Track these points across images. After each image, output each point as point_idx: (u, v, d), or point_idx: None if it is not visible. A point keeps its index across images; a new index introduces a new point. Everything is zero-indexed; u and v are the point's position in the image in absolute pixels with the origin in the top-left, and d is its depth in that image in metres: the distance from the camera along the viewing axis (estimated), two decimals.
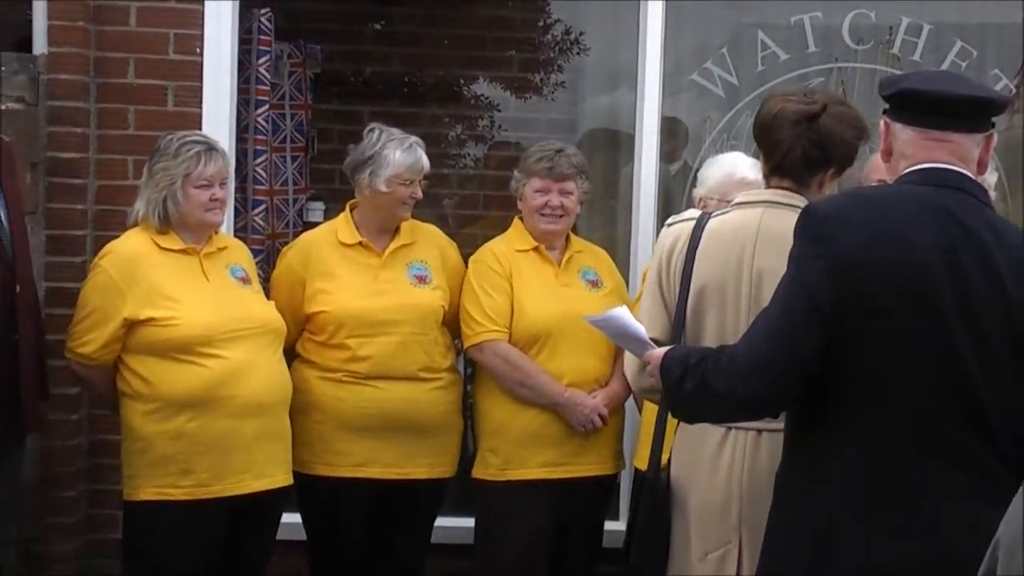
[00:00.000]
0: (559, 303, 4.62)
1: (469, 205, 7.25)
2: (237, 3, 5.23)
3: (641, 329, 3.30)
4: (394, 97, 7.27)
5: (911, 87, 2.96)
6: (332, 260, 4.61)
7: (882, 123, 3.03)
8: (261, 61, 5.75)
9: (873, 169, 4.38)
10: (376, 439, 4.53)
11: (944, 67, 5.81)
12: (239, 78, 5.40)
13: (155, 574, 4.24)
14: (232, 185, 4.73)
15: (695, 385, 2.98)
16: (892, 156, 3.01)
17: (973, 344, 2.80)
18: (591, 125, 6.86)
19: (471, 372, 4.93)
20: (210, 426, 4.17)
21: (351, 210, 4.70)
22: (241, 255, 4.55)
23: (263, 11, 5.71)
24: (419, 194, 4.64)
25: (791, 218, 3.14)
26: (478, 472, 4.68)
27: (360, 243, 4.63)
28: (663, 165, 5.65)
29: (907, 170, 2.95)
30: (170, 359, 4.18)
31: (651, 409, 3.99)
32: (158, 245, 4.27)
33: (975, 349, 2.80)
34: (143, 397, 4.21)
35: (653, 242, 4.84)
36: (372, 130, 4.65)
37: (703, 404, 3.03)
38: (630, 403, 4.76)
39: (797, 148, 3.41)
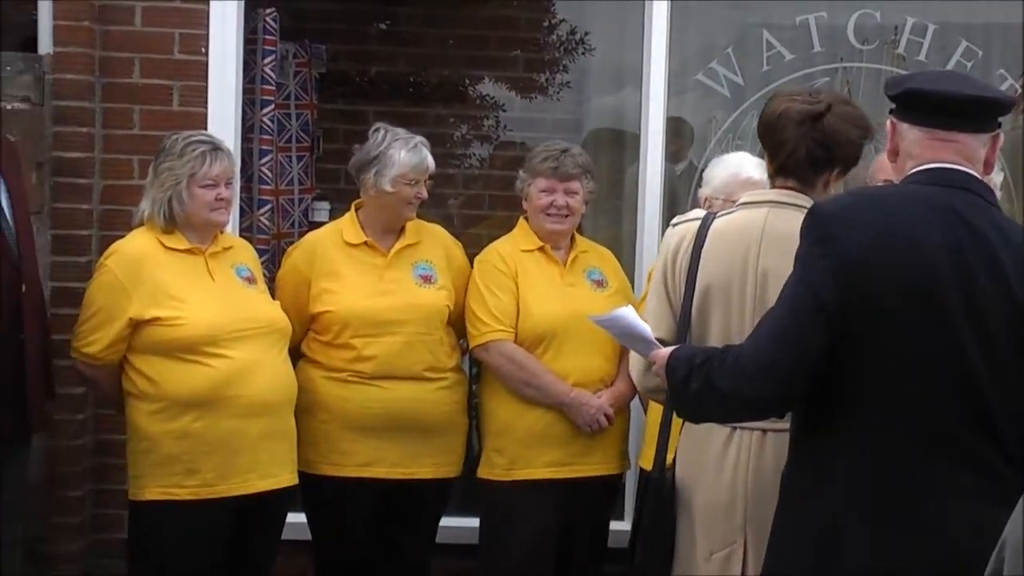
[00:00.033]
0: (564, 303, 4.62)
1: (474, 205, 7.25)
2: (242, 3, 5.23)
3: (647, 329, 3.30)
4: (399, 97, 7.27)
5: (917, 87, 2.96)
6: (337, 260, 4.61)
7: (888, 123, 3.03)
8: (266, 61, 5.75)
9: (879, 169, 4.37)
10: (381, 439, 4.53)
11: (949, 67, 5.81)
12: (244, 78, 5.39)
13: (160, 574, 4.24)
14: (237, 185, 4.73)
15: (700, 385, 2.98)
16: (898, 156, 3.01)
17: (979, 344, 2.80)
18: (596, 125, 6.86)
19: (476, 372, 4.93)
20: (215, 426, 4.17)
21: (356, 210, 4.70)
22: (246, 255, 4.55)
23: (268, 11, 5.71)
24: (424, 194, 4.64)
25: (796, 218, 3.14)
26: (483, 472, 4.68)
27: (365, 243, 4.63)
28: (668, 165, 5.65)
29: (913, 170, 2.95)
30: (175, 359, 4.18)
31: (656, 409, 3.99)
32: (163, 245, 4.27)
33: (981, 349, 2.80)
34: (148, 397, 4.21)
35: (658, 242, 4.83)
36: (377, 130, 4.65)
37: (708, 404, 3.03)
38: (635, 403, 4.77)
39: (802, 148, 3.41)
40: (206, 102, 5.11)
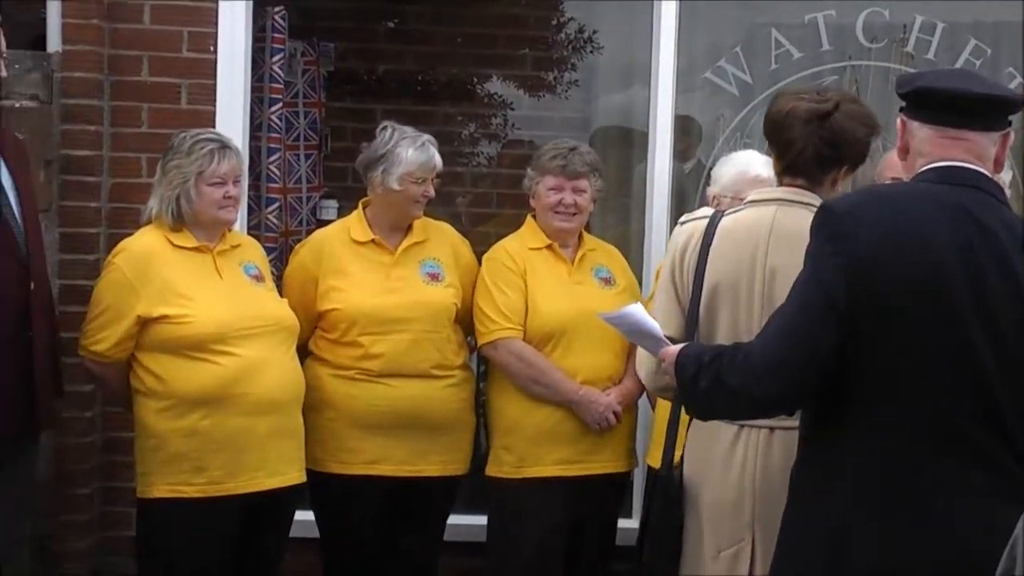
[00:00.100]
0: (573, 301, 4.62)
1: (482, 203, 7.25)
2: (251, 1, 5.23)
3: (656, 326, 3.29)
4: (407, 95, 7.28)
5: (927, 85, 2.95)
6: (344, 258, 4.61)
7: (899, 121, 3.03)
8: (275, 59, 5.75)
9: (887, 167, 4.37)
10: (388, 436, 4.54)
11: (958, 65, 5.79)
12: (253, 76, 5.40)
13: (168, 571, 4.25)
14: (245, 183, 4.73)
15: (710, 382, 2.98)
16: (908, 154, 3.01)
17: (989, 343, 2.79)
18: (604, 123, 6.85)
19: (484, 370, 4.93)
20: (223, 424, 4.18)
21: (364, 208, 4.70)
22: (254, 253, 4.56)
23: (277, 9, 5.71)
24: (431, 192, 4.64)
25: (804, 216, 3.15)
26: (492, 470, 4.68)
27: (373, 241, 4.63)
28: (676, 163, 5.64)
29: (923, 168, 2.95)
30: (183, 357, 4.18)
31: (664, 407, 3.99)
32: (171, 243, 4.27)
33: (991, 348, 2.79)
34: (156, 394, 4.21)
35: (666, 240, 4.83)
36: (384, 128, 4.66)
37: (718, 401, 3.02)
38: (643, 401, 4.77)
39: (810, 147, 3.41)
40: (214, 100, 5.11)
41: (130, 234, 4.42)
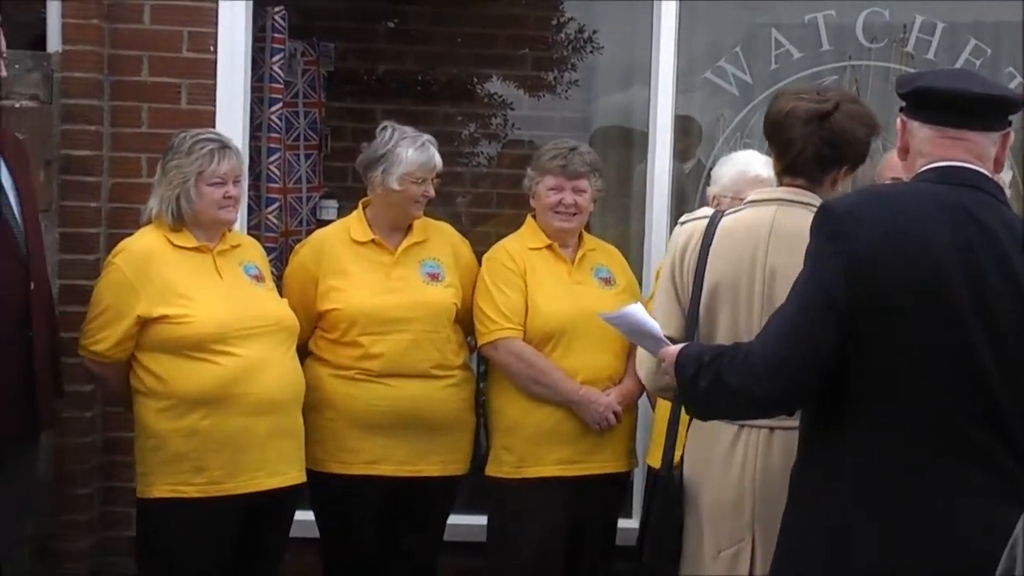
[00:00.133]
0: (573, 301, 4.62)
1: (482, 203, 7.25)
2: (251, 1, 5.23)
3: (656, 326, 3.29)
4: (407, 95, 7.28)
5: (928, 85, 2.95)
6: (344, 258, 4.61)
7: (899, 121, 3.03)
8: (275, 59, 5.75)
9: (887, 167, 4.37)
10: (388, 437, 4.54)
11: (958, 65, 5.79)
12: (253, 76, 5.40)
13: (169, 571, 4.25)
14: (245, 183, 4.73)
15: (710, 383, 2.98)
16: (909, 154, 3.01)
17: (990, 343, 2.79)
18: (604, 123, 6.85)
19: (484, 370, 4.93)
20: (223, 424, 4.18)
21: (364, 208, 4.70)
22: (254, 253, 4.56)
23: (277, 9, 5.71)
24: (431, 192, 4.64)
25: (804, 216, 3.15)
26: (492, 470, 4.68)
27: (372, 241, 4.63)
28: (676, 163, 5.64)
29: (923, 168, 2.95)
30: (183, 356, 4.18)
31: (664, 407, 3.99)
32: (171, 243, 4.28)
33: (991, 348, 2.79)
34: (157, 394, 4.21)
35: (666, 240, 4.82)
36: (384, 128, 4.66)
37: (718, 401, 3.02)
38: (643, 401, 4.77)
39: (810, 147, 3.41)
40: (214, 100, 5.11)
41: (130, 234, 4.43)
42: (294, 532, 4.54)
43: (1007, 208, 2.97)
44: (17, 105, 4.72)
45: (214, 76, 5.11)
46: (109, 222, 5.04)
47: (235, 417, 4.18)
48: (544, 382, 4.57)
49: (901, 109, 3.02)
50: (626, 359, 4.60)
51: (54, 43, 4.97)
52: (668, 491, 3.56)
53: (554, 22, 7.33)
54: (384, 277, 4.59)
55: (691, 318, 3.49)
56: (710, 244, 3.49)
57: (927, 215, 2.85)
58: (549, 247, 4.71)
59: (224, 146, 4.32)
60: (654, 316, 3.41)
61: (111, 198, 5.06)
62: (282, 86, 5.85)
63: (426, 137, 4.64)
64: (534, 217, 4.78)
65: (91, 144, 5.00)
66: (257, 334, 4.25)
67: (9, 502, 4.11)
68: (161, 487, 4.21)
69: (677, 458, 3.59)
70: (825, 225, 2.89)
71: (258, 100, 5.63)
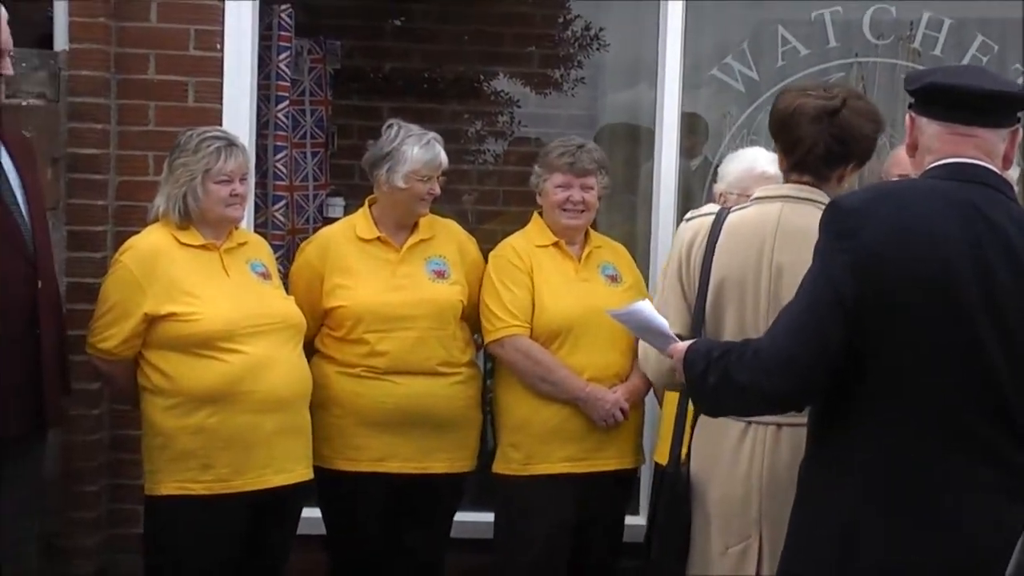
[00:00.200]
0: (579, 298, 4.62)
1: (489, 201, 7.26)
2: None
3: (664, 322, 3.29)
4: (414, 93, 7.28)
5: (937, 82, 2.95)
6: (350, 255, 4.61)
7: (907, 118, 3.03)
8: (281, 57, 5.75)
9: (894, 164, 4.37)
10: (395, 434, 4.54)
11: (964, 62, 5.79)
12: (259, 74, 5.40)
13: (176, 568, 4.25)
14: (252, 181, 4.72)
15: (718, 379, 2.98)
16: (917, 151, 3.01)
17: (999, 339, 2.79)
18: (611, 121, 6.85)
19: (491, 367, 4.93)
20: (230, 421, 4.18)
21: (370, 205, 4.71)
22: (261, 251, 4.56)
23: (283, 7, 5.71)
24: (437, 190, 4.64)
25: (811, 213, 3.15)
26: (499, 467, 4.68)
27: (378, 238, 4.63)
28: (683, 161, 5.63)
29: (932, 165, 2.95)
30: (191, 354, 4.18)
31: (671, 404, 3.98)
32: (178, 241, 4.28)
33: (1001, 344, 2.79)
34: (164, 392, 4.22)
35: (673, 237, 4.83)
36: (390, 126, 4.66)
37: (726, 398, 3.03)
38: (650, 397, 4.77)
39: (820, 144, 3.42)
40: (221, 98, 5.10)
41: (137, 232, 4.43)
42: (301, 529, 4.54)
43: (1016, 204, 2.96)
44: (24, 103, 4.72)
45: (221, 74, 5.10)
46: (116, 220, 5.05)
47: (242, 414, 4.19)
48: (551, 379, 4.57)
49: (910, 106, 3.02)
50: (632, 356, 4.60)
51: (61, 41, 4.98)
52: (675, 488, 3.57)
53: (561, 20, 7.34)
54: (390, 274, 4.60)
55: (697, 315, 3.49)
56: (716, 241, 3.50)
57: (936, 212, 2.84)
58: (556, 244, 4.71)
59: (231, 144, 4.32)
60: (660, 312, 3.41)
61: (118, 196, 5.07)
62: (289, 84, 5.85)
63: (432, 135, 4.64)
64: (540, 214, 4.78)
65: (98, 142, 5.00)
66: (264, 332, 4.26)
67: (16, 499, 4.11)
68: (168, 484, 4.21)
69: (684, 455, 3.59)
70: (834, 222, 2.89)
71: (265, 98, 5.64)
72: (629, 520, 4.86)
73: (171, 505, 4.21)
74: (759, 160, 4.52)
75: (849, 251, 2.83)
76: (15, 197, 4.09)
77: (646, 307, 3.34)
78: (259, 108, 5.44)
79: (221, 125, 4.88)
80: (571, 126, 6.93)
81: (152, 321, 4.20)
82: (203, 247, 4.30)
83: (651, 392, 4.71)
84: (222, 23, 5.10)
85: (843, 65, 5.92)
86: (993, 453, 2.82)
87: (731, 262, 3.46)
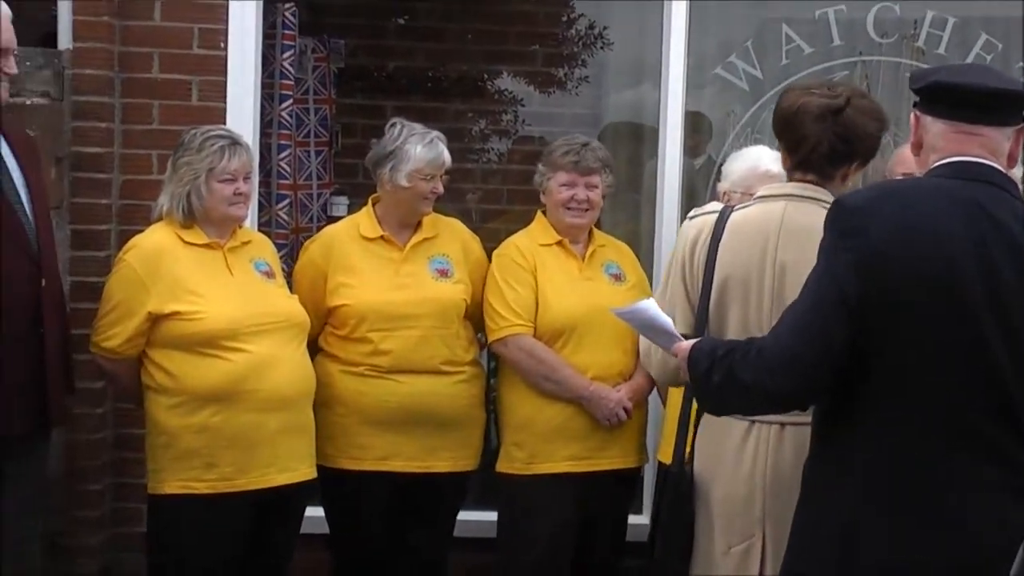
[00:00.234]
0: (583, 297, 4.61)
1: (492, 199, 7.25)
2: None
3: (668, 321, 3.29)
4: (418, 92, 7.28)
5: (942, 80, 2.95)
6: (354, 254, 4.61)
7: (912, 116, 3.02)
8: (285, 56, 5.75)
9: (898, 162, 4.37)
10: (398, 433, 4.54)
11: (969, 60, 5.78)
12: (263, 73, 5.40)
13: (179, 567, 4.25)
14: (256, 180, 4.73)
15: (723, 377, 2.98)
16: (922, 149, 3.01)
17: (1004, 338, 2.79)
18: (615, 120, 6.85)
19: (494, 366, 4.92)
20: (234, 420, 4.18)
21: (373, 204, 4.71)
22: (265, 249, 4.56)
23: (287, 6, 5.71)
24: (440, 189, 4.64)
25: (814, 211, 3.15)
26: (503, 466, 4.68)
27: (382, 237, 4.63)
28: (687, 159, 5.63)
29: (937, 163, 2.95)
30: (194, 353, 4.18)
31: (675, 403, 3.99)
32: (182, 239, 4.28)
33: (1006, 343, 2.79)
34: (167, 391, 4.22)
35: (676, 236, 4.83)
36: (394, 125, 4.66)
37: (731, 396, 3.03)
38: (653, 397, 4.77)
39: (824, 143, 3.41)
40: (225, 97, 5.10)
41: (141, 231, 4.43)
42: (304, 528, 4.54)
43: (1021, 203, 2.96)
44: (28, 102, 4.72)
45: (224, 73, 5.10)
46: (120, 219, 5.04)
47: (246, 413, 4.19)
48: (554, 378, 4.57)
49: (915, 104, 3.01)
50: (636, 355, 4.59)
51: (65, 40, 4.98)
52: (679, 487, 3.56)
53: (564, 18, 7.33)
54: (393, 273, 4.60)
55: (701, 313, 3.49)
56: (720, 239, 3.49)
57: (940, 210, 2.84)
58: (559, 243, 4.71)
59: (234, 142, 4.32)
60: (663, 310, 3.40)
61: (122, 195, 5.07)
62: (292, 83, 5.85)
63: (435, 134, 4.64)
64: (544, 213, 4.77)
65: (102, 141, 5.00)
66: (268, 330, 4.26)
67: (20, 498, 4.10)
68: (172, 483, 4.21)
69: (688, 454, 3.59)
70: (838, 220, 2.89)
71: (268, 97, 5.63)
72: (632, 519, 4.87)
73: (175, 504, 4.21)
74: (763, 159, 4.52)
75: (853, 250, 2.83)
76: (19, 196, 4.09)
77: (651, 306, 3.33)
78: (263, 107, 5.44)
79: (225, 124, 4.88)
80: (575, 125, 6.93)
81: (156, 320, 4.20)
82: (207, 246, 4.31)
83: (655, 391, 4.71)
84: (226, 22, 5.09)
85: (847, 64, 5.91)
86: (997, 452, 2.82)
87: (735, 260, 3.46)
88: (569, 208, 4.66)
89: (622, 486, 4.74)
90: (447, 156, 4.64)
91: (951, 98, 2.93)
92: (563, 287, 4.64)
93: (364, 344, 4.53)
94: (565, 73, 7.31)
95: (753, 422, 3.41)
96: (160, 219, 4.35)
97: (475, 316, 4.72)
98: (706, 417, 3.50)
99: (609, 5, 7.01)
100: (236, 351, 4.18)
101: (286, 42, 5.75)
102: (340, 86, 6.71)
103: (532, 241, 4.73)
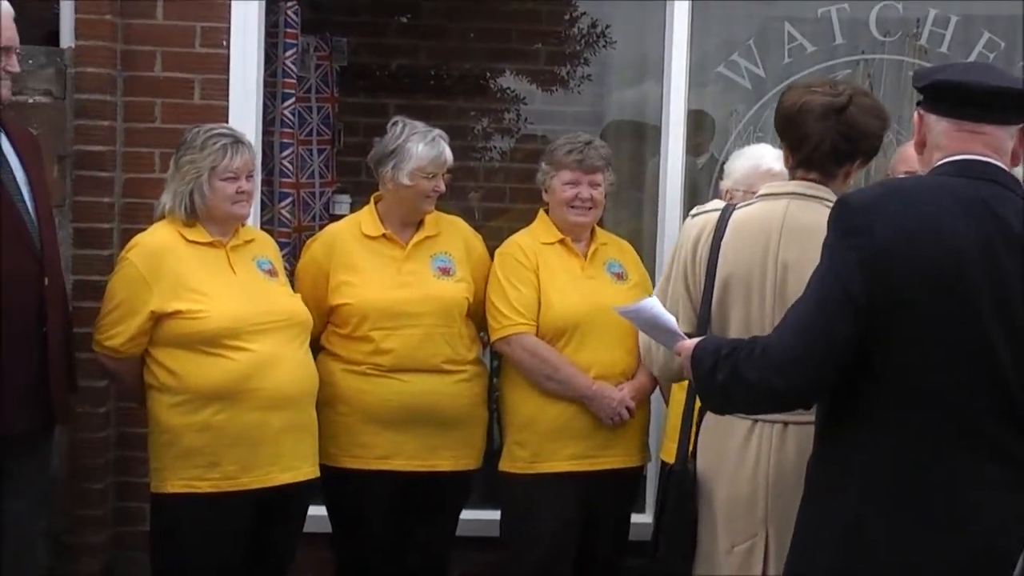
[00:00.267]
0: (585, 296, 4.61)
1: (495, 198, 7.25)
2: None
3: (672, 320, 3.29)
4: (420, 90, 7.27)
5: (946, 79, 2.94)
6: (356, 252, 4.61)
7: (916, 115, 3.02)
8: (288, 54, 5.75)
9: (901, 161, 4.36)
10: (400, 432, 4.54)
11: (971, 59, 5.78)
12: (266, 71, 5.40)
13: (182, 566, 4.25)
14: (258, 178, 4.73)
15: (727, 376, 2.97)
16: (926, 148, 3.00)
17: (1006, 337, 2.79)
18: (617, 118, 6.85)
19: (497, 365, 4.92)
20: (237, 419, 4.18)
21: (375, 203, 4.70)
22: (268, 248, 4.56)
23: (289, 4, 5.71)
24: (442, 187, 4.64)
25: (817, 210, 3.14)
26: (505, 465, 4.68)
27: (384, 235, 4.63)
28: (689, 158, 5.63)
29: (941, 162, 2.94)
30: (197, 352, 4.18)
31: (677, 402, 3.99)
32: (185, 238, 4.28)
33: (1008, 342, 2.79)
34: (170, 390, 4.22)
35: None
36: (395, 123, 4.65)
37: (735, 395, 3.02)
38: (656, 396, 4.76)
39: (827, 141, 3.41)
40: (227, 95, 5.11)
41: (143, 229, 4.43)
42: (306, 527, 4.54)
43: None
44: (30, 101, 4.72)
45: (227, 71, 5.11)
46: (122, 217, 5.05)
47: (248, 412, 4.19)
48: (557, 377, 4.56)
49: (918, 103, 3.01)
50: (638, 354, 4.59)
51: (67, 39, 4.98)
52: (682, 486, 3.56)
53: (567, 17, 7.33)
54: (395, 272, 4.59)
55: (703, 312, 3.49)
56: (722, 237, 3.49)
57: (944, 209, 2.84)
58: (562, 242, 4.71)
59: (237, 141, 4.32)
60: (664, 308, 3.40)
61: (124, 193, 5.07)
62: (295, 81, 5.85)
63: (437, 132, 4.64)
64: (546, 211, 4.77)
65: (104, 139, 5.00)
66: (270, 329, 4.26)
67: (23, 497, 4.11)
68: (175, 482, 4.21)
69: (691, 453, 3.58)
70: (842, 219, 2.89)
71: (271, 95, 5.63)
72: (635, 518, 4.86)
73: (177, 503, 4.21)
74: (765, 157, 4.51)
75: (857, 248, 2.82)
76: (21, 194, 4.09)
77: (654, 304, 3.33)
78: (265, 105, 5.44)
79: (227, 122, 4.88)
80: (577, 123, 6.93)
81: (158, 318, 4.20)
82: (209, 244, 4.31)
83: (657, 390, 4.70)
84: (228, 20, 5.10)
85: (850, 62, 5.91)
86: (1000, 450, 2.81)
87: (737, 259, 3.45)
88: (573, 206, 4.66)
89: (625, 485, 4.74)
90: (449, 154, 4.63)
91: (955, 97, 2.93)
92: (565, 286, 4.64)
93: (366, 343, 4.53)
94: (567, 71, 7.30)
95: (756, 421, 3.40)
96: (163, 218, 4.35)
97: (477, 315, 4.72)
98: (709, 416, 3.49)
99: (612, 3, 7.01)
100: (239, 350, 4.18)
101: (288, 40, 5.75)
102: (342, 84, 6.71)
103: (534, 240, 4.72)
